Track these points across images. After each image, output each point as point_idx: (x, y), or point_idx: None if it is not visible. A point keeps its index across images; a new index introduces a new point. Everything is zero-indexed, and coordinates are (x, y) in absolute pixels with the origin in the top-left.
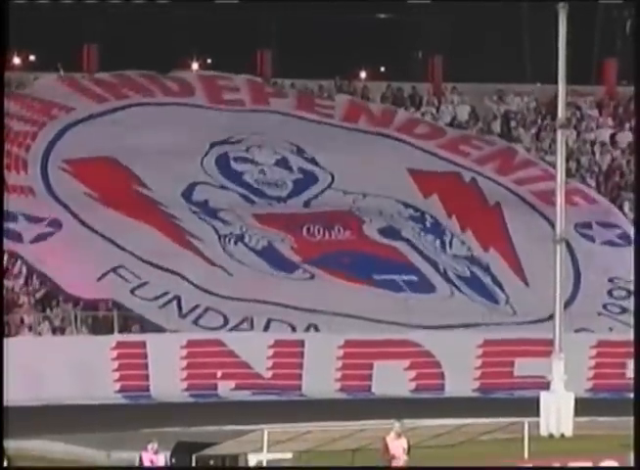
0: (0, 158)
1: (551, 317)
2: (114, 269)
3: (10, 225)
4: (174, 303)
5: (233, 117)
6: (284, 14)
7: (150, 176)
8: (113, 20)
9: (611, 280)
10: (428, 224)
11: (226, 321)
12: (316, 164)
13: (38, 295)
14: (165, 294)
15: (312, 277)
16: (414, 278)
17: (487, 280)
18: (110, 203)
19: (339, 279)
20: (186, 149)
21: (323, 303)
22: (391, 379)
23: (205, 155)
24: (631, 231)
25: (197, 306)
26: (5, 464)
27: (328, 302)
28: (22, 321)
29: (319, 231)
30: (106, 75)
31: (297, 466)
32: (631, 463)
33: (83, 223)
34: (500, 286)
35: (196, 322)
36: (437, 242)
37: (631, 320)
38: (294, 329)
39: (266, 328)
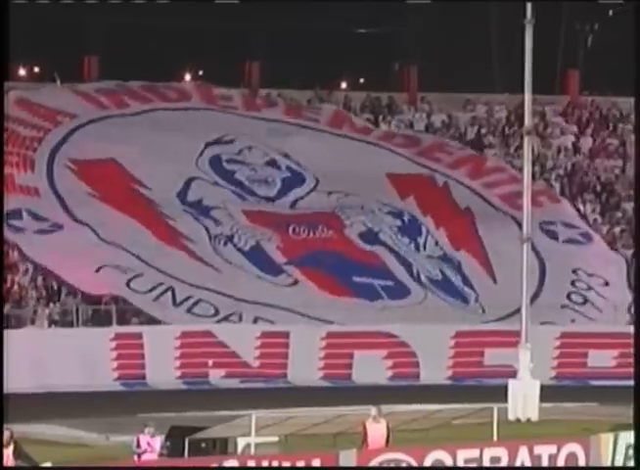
0: (0, 158)
1: (518, 311)
2: (110, 266)
3: (13, 222)
4: (169, 293)
5: (226, 119)
6: (271, 28)
7: (148, 177)
8: (111, 33)
9: (574, 274)
10: (405, 220)
11: (217, 312)
12: (303, 167)
13: (43, 290)
14: (160, 284)
15: (295, 283)
16: (390, 283)
17: (458, 280)
18: (110, 203)
19: (320, 283)
20: (182, 150)
21: (304, 308)
22: (370, 368)
23: (200, 155)
24: (590, 231)
25: (189, 297)
26: (12, 448)
27: (309, 308)
28: (27, 314)
29: (304, 231)
30: (106, 84)
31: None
32: (592, 447)
33: (85, 225)
34: (470, 285)
35: (189, 311)
36: (412, 244)
37: (592, 313)
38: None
39: (254, 322)
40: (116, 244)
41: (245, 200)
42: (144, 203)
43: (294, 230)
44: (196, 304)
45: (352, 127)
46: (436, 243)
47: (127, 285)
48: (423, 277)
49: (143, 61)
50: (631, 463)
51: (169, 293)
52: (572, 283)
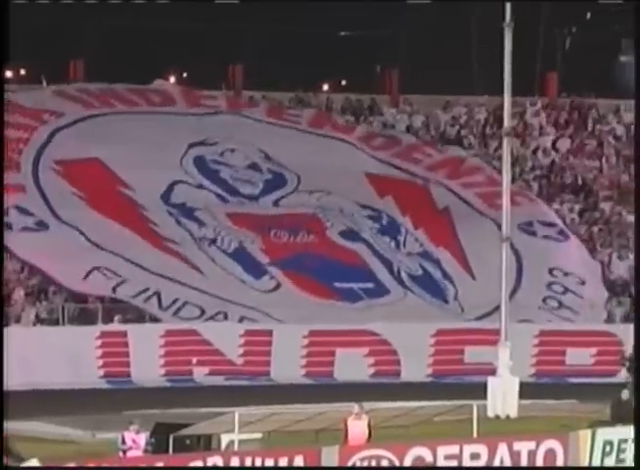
0: (0, 159)
1: (495, 309)
2: (97, 268)
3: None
4: (154, 298)
5: (210, 120)
6: (254, 31)
7: (133, 179)
8: (96, 36)
9: (551, 272)
10: (384, 222)
11: (202, 313)
12: (284, 167)
13: (30, 289)
14: (146, 290)
15: (278, 284)
16: (370, 285)
17: (438, 275)
18: (95, 204)
19: (303, 286)
20: (167, 151)
21: (287, 311)
22: (352, 365)
23: (185, 155)
24: (567, 230)
25: (176, 300)
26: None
27: (292, 307)
28: (14, 312)
29: (285, 234)
30: (93, 86)
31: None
32: (570, 444)
33: (69, 225)
34: (450, 280)
35: (175, 315)
36: (393, 243)
37: (569, 311)
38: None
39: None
40: (102, 246)
41: (228, 201)
42: (129, 204)
43: (275, 234)
44: (181, 308)
45: (334, 127)
46: (416, 240)
47: (114, 290)
48: (403, 274)
49: (128, 63)
50: (609, 459)
51: (155, 298)
52: (550, 282)
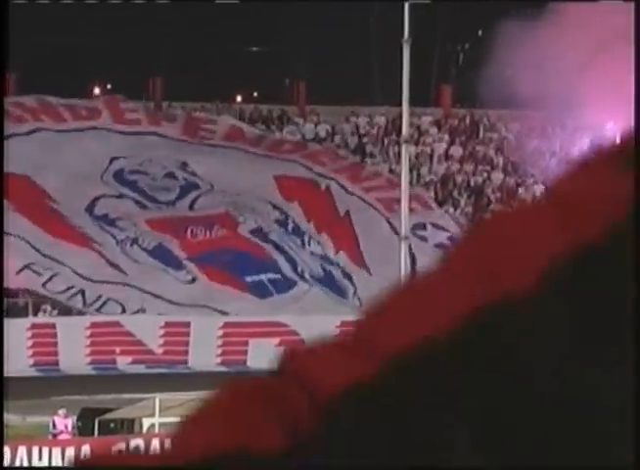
0: (0, 158)
1: None
2: (27, 266)
3: None
4: (79, 296)
5: (131, 136)
6: (172, 46)
7: (58, 191)
8: (27, 49)
9: None
10: (290, 228)
11: (124, 310)
12: (197, 176)
13: None
14: (71, 288)
15: (194, 279)
16: (278, 276)
17: (338, 274)
18: (23, 213)
19: (217, 281)
20: (90, 166)
21: (203, 301)
22: (264, 354)
23: (105, 171)
24: (457, 235)
25: (100, 297)
26: None
27: (207, 301)
28: None
29: (201, 231)
30: (25, 99)
31: None
32: None
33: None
34: (349, 278)
35: (99, 311)
36: (299, 241)
37: None
38: None
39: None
40: (32, 250)
41: (147, 208)
42: (55, 214)
43: (192, 232)
44: (106, 301)
45: (245, 140)
46: (319, 243)
47: (43, 286)
48: (306, 274)
49: (57, 77)
50: None
51: (80, 295)
52: None
